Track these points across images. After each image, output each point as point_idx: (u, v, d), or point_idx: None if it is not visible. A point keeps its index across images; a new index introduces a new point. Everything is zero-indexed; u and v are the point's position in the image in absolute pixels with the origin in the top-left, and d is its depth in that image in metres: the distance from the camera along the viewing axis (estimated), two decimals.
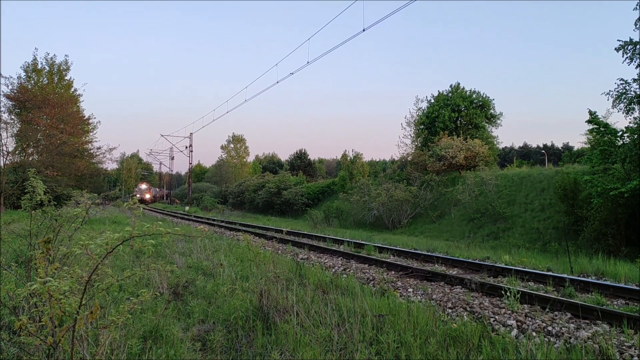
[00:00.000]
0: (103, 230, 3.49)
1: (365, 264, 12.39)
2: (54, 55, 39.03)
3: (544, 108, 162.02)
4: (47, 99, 32.24)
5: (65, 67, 38.31)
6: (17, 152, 31.35)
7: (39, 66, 36.85)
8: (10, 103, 32.13)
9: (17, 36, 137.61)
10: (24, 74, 36.19)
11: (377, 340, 5.08)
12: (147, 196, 79.28)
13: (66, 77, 38.73)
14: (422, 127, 43.64)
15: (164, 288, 7.16)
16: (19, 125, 32.14)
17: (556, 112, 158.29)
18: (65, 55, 47.44)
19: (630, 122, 17.81)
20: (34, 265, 3.90)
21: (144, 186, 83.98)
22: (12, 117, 32.14)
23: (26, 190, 5.33)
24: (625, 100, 17.31)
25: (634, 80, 17.07)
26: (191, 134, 60.04)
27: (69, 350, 3.29)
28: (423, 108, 45.02)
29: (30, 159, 30.65)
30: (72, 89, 39.32)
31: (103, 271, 3.34)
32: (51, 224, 5.59)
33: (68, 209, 6.17)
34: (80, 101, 40.12)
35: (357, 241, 16.75)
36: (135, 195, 61.25)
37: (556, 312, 7.14)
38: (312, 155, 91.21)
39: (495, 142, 44.11)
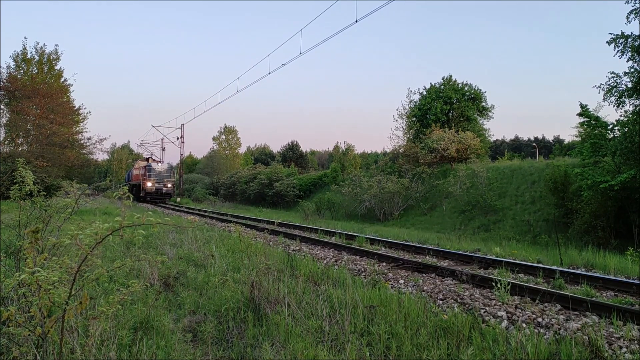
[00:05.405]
0: (93, 221, 3.46)
1: (357, 256, 12.39)
2: (44, 44, 38.54)
3: (536, 101, 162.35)
4: (36, 88, 31.87)
5: (55, 57, 37.77)
6: (6, 142, 31.04)
7: (29, 55, 36.29)
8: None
9: (6, 25, 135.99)
10: (13, 63, 35.74)
11: (368, 331, 5.09)
12: (169, 185, 47.01)
13: (56, 67, 38.18)
14: (414, 119, 43.69)
15: (154, 279, 7.13)
16: (8, 115, 31.80)
17: (547, 105, 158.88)
18: (55, 45, 47.01)
19: (621, 115, 17.93)
20: (23, 256, 3.87)
21: (164, 167, 48.07)
22: (2, 107, 31.79)
23: (15, 181, 5.27)
24: (616, 93, 17.36)
25: (625, 73, 17.13)
26: (182, 125, 59.66)
27: (58, 341, 3.27)
28: (415, 100, 45.08)
29: (20, 149, 30.33)
30: (62, 79, 38.81)
31: (92, 261, 3.31)
32: (41, 214, 5.55)
33: (58, 199, 6.11)
34: (70, 91, 39.66)
35: (349, 233, 16.77)
36: (145, 183, 49.18)
37: (546, 304, 7.19)
38: (304, 147, 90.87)
39: (486, 135, 44.30)
